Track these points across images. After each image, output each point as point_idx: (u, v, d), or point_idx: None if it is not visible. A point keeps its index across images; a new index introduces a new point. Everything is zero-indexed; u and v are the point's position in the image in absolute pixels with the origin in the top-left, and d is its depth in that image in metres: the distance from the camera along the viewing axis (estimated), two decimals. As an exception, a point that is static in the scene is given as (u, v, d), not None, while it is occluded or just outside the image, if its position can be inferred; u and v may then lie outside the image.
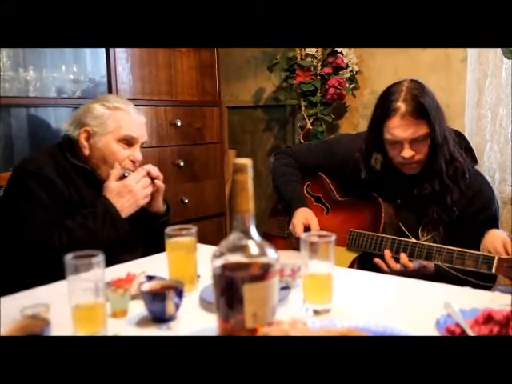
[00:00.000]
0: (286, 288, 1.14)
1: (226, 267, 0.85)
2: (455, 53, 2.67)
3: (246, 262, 0.86)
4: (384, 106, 1.62)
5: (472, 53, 2.57)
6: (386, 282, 1.29)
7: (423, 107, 1.57)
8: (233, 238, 0.87)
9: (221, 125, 3.13)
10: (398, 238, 1.60)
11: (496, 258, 1.38)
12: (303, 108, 2.91)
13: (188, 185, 2.90)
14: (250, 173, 0.86)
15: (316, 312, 1.05)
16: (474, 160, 1.75)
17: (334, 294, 1.07)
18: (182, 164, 2.83)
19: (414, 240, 1.60)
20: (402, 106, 1.57)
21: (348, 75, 2.85)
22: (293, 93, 2.98)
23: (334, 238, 1.04)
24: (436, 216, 1.65)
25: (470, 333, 0.86)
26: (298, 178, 1.95)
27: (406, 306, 1.10)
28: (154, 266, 1.34)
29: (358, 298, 1.16)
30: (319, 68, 2.84)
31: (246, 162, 0.85)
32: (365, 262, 1.68)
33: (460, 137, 1.75)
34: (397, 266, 1.57)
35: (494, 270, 1.38)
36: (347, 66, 2.84)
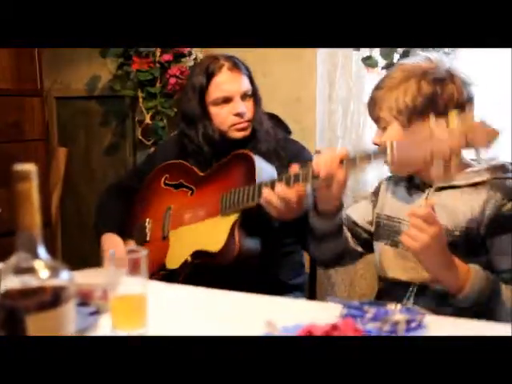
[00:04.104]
0: (95, 313, 1.11)
1: (6, 295, 0.80)
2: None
3: (32, 288, 0.81)
4: (203, 69, 1.83)
5: (322, 42, 2.69)
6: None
7: (241, 62, 1.86)
8: (16, 259, 0.82)
9: (46, 118, 2.99)
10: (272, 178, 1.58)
11: None
12: (141, 100, 2.87)
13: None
14: (35, 180, 0.83)
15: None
16: (287, 131, 2.00)
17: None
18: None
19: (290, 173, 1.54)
20: (224, 62, 1.82)
21: (191, 63, 2.85)
22: (129, 82, 2.92)
23: (144, 253, 1.03)
24: None
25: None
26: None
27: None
28: None
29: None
30: (158, 54, 2.82)
31: (30, 167, 0.83)
32: (247, 225, 1.67)
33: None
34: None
35: None
36: (190, 53, 2.84)
